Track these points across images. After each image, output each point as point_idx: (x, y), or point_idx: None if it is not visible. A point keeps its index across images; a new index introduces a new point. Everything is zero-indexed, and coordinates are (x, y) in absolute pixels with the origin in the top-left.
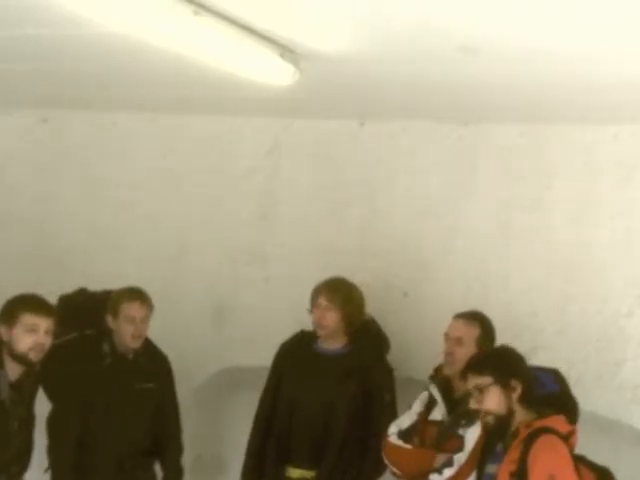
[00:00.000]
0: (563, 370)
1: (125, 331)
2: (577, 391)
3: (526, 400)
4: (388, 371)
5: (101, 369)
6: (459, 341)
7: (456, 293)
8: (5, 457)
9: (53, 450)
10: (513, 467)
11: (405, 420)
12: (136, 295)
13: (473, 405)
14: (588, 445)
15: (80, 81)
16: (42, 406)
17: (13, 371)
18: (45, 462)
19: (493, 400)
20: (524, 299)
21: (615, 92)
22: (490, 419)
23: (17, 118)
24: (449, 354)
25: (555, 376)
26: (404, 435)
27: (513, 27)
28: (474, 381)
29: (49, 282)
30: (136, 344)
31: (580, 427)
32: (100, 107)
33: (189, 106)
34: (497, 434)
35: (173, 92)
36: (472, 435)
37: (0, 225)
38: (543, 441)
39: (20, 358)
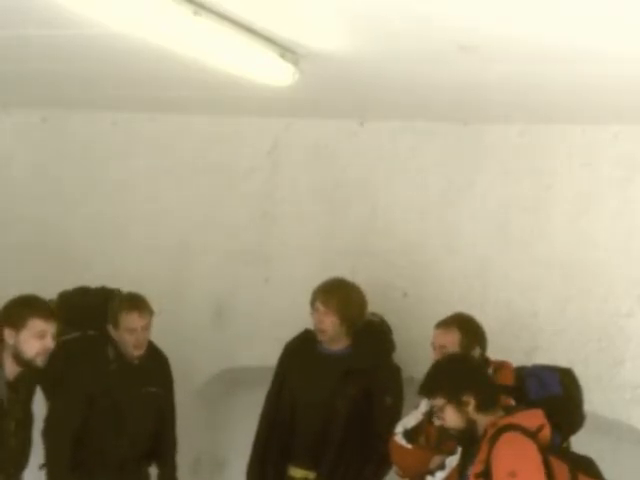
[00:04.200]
0: None
1: (127, 342)
2: None
3: (484, 407)
4: (392, 372)
5: (107, 373)
6: (443, 350)
7: (456, 293)
8: (2, 457)
9: (51, 448)
10: (481, 467)
11: (411, 420)
12: (135, 305)
13: (437, 423)
14: (588, 445)
15: (80, 81)
16: (40, 406)
17: (11, 371)
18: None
19: (451, 418)
20: (524, 299)
21: (615, 92)
22: (455, 432)
23: (17, 118)
24: None
25: (562, 376)
26: (409, 434)
27: (513, 27)
28: (430, 402)
29: (49, 282)
30: (139, 352)
31: None
32: (100, 107)
33: (189, 106)
34: (469, 440)
35: (173, 92)
36: None
37: (0, 225)
38: (505, 438)
39: (27, 363)
